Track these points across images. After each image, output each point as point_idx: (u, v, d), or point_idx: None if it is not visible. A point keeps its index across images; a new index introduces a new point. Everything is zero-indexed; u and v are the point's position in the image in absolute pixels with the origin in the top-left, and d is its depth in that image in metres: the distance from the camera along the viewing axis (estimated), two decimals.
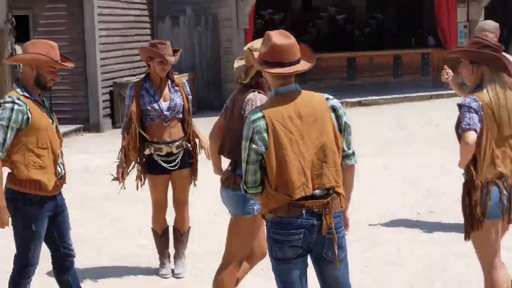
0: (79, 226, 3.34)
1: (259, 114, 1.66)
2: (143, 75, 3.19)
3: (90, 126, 7.93)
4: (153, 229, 3.01)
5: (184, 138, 2.92)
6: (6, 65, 6.73)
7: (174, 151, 2.82)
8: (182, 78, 3.59)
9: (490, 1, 10.32)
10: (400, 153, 5.78)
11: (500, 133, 2.07)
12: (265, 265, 2.28)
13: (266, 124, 1.62)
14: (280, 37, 1.64)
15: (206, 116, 6.66)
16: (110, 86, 8.33)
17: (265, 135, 1.63)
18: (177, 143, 2.84)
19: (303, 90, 1.74)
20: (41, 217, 2.22)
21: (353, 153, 1.77)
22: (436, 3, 10.46)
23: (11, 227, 2.19)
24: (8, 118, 2.10)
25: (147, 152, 2.78)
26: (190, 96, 3.11)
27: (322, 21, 12.40)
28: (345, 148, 1.72)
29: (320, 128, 1.68)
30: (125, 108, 3.02)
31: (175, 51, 2.97)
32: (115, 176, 2.93)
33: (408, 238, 3.39)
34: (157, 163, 2.80)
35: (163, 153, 2.80)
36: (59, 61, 2.21)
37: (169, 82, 2.96)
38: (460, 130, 1.99)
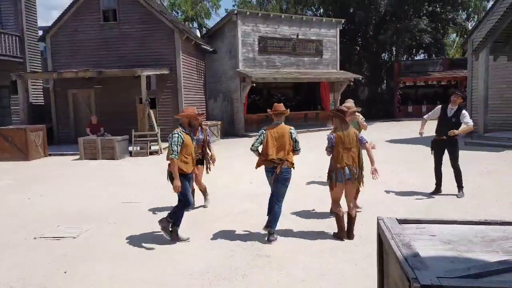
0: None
1: (264, 129, 5.06)
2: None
3: None
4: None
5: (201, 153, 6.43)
6: (146, 111, 15.77)
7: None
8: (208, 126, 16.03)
9: (343, 90, 23.95)
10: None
11: (345, 147, 4.86)
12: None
13: (265, 132, 5.02)
14: (277, 104, 5.20)
15: (228, 139, 18.60)
16: None
17: (263, 136, 5.01)
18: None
19: (282, 123, 5.03)
20: (185, 182, 5.03)
21: (298, 150, 5.07)
22: (321, 92, 23.83)
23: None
24: (177, 140, 4.86)
25: None
26: (209, 137, 6.59)
27: (274, 99, 25.58)
28: (294, 147, 5.03)
29: (284, 138, 4.96)
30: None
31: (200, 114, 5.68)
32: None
33: None
34: None
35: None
36: (197, 115, 5.26)
37: (199, 128, 6.30)
38: (327, 148, 4.95)
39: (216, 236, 5.44)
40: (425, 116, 7.31)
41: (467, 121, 6.81)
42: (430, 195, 7.11)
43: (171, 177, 5.05)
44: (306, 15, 30.00)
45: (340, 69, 23.77)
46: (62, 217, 6.58)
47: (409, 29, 28.57)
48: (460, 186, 7.01)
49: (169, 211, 5.38)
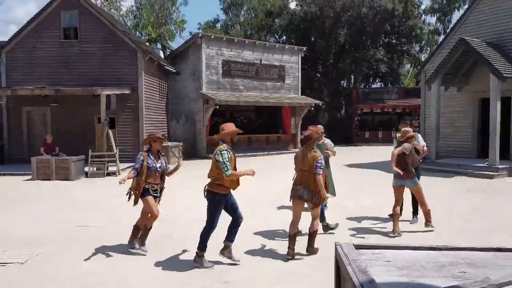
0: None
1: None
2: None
3: None
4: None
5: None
6: (105, 131, 15.75)
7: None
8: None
9: (304, 115, 24.49)
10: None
11: (299, 167, 5.23)
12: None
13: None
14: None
15: (190, 160, 18.61)
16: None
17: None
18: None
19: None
20: (222, 206, 5.04)
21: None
22: (283, 116, 24.24)
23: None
24: (227, 156, 4.85)
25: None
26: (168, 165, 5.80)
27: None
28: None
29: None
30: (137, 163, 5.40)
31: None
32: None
33: None
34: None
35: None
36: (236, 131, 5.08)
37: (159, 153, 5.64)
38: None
39: (174, 261, 5.31)
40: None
41: (420, 143, 7.11)
42: (411, 222, 7.17)
43: (209, 194, 5.03)
44: (269, 41, 30.73)
45: (302, 95, 24.35)
46: (9, 241, 6.21)
47: (367, 59, 29.87)
48: (415, 212, 7.25)
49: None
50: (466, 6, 26.99)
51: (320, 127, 7.08)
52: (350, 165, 15.86)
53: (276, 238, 6.27)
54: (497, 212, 7.94)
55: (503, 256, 2.52)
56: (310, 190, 5.17)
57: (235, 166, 5.04)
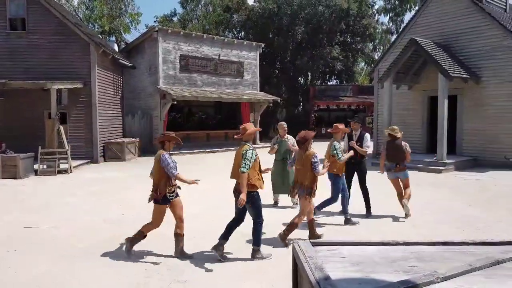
0: None
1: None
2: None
3: (93, 160, 17.33)
4: None
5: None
6: (56, 126, 13.69)
7: None
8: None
9: (263, 111, 24.62)
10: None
11: (296, 167, 5.71)
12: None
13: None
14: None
15: (146, 157, 18.03)
16: (103, 142, 19.26)
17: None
18: None
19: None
20: (260, 200, 5.07)
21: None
22: (242, 111, 24.27)
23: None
24: (251, 156, 4.93)
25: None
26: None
27: (196, 117, 25.46)
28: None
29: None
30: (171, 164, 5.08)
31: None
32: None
33: None
34: None
35: None
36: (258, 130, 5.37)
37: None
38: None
39: (128, 261, 5.19)
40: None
41: (364, 143, 7.41)
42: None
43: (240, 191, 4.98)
44: (228, 37, 30.58)
45: (260, 91, 24.46)
46: None
47: (323, 56, 30.47)
48: (368, 207, 7.51)
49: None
50: (417, 7, 28.12)
51: (284, 124, 7.44)
52: None
53: (237, 237, 6.27)
54: (444, 205, 8.38)
55: (450, 250, 2.66)
56: (301, 185, 5.57)
57: (259, 167, 5.19)
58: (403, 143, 7.35)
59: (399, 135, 7.39)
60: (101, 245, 5.74)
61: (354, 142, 7.32)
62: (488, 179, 11.63)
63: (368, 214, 7.46)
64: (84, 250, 5.59)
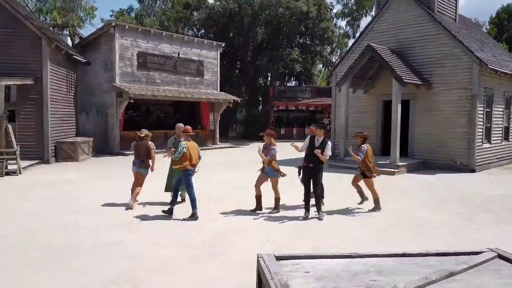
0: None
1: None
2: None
3: (44, 160, 16.73)
4: None
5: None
6: (3, 125, 13.13)
7: None
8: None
9: (223, 111, 24.54)
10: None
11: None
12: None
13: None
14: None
15: (101, 157, 17.60)
16: (54, 141, 18.49)
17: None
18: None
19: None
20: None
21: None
22: (202, 111, 24.07)
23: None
24: (184, 146, 7.46)
25: None
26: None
27: (153, 116, 24.88)
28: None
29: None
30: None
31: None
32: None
33: None
34: None
35: None
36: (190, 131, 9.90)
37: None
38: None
39: (87, 271, 5.00)
40: (300, 148, 7.89)
41: (325, 151, 7.64)
42: (303, 218, 7.59)
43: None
44: (187, 35, 30.19)
45: (220, 91, 24.34)
46: None
47: (283, 58, 30.78)
48: (319, 209, 7.72)
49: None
50: (373, 13, 29.02)
51: (181, 125, 8.59)
52: None
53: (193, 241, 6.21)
54: (397, 207, 8.72)
55: (408, 261, 2.77)
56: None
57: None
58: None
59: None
60: (54, 254, 5.48)
61: (319, 150, 7.50)
62: (437, 181, 12.23)
63: (321, 214, 7.66)
64: (36, 260, 5.32)
